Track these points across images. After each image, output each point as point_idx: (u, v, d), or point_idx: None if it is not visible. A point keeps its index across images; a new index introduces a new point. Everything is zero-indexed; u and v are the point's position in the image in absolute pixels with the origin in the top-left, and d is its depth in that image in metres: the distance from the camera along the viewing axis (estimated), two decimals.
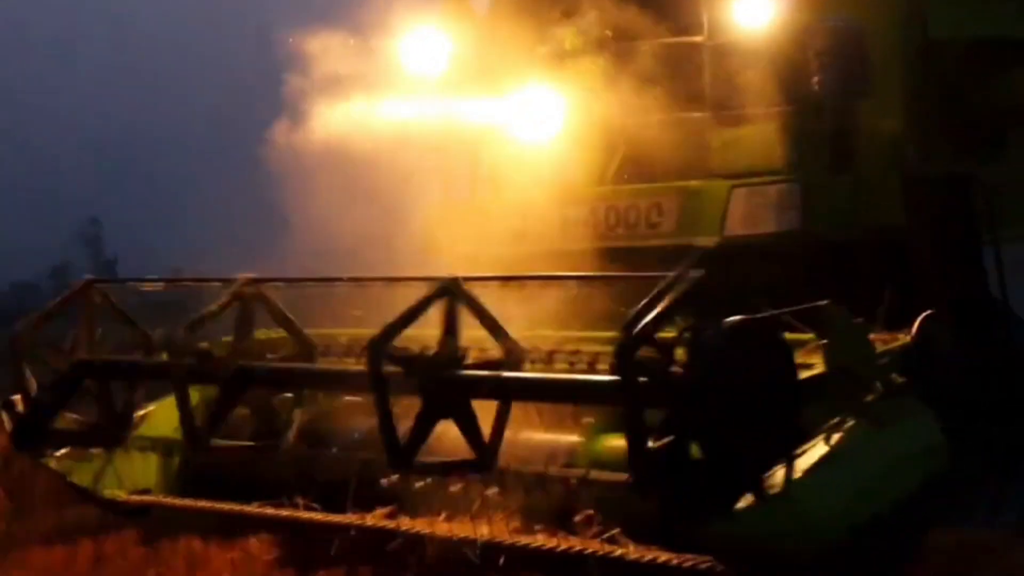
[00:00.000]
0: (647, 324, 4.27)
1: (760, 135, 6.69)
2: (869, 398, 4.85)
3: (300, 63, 7.20)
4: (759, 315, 4.49)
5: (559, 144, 6.95)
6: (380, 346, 4.92)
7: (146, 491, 6.66)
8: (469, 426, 4.89)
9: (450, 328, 5.03)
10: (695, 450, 4.22)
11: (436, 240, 7.14)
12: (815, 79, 6.47)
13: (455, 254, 6.91)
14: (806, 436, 4.62)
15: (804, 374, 4.70)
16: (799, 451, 4.57)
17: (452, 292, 5.09)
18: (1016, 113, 7.16)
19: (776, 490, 4.39)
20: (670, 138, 6.82)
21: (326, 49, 7.16)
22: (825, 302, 4.84)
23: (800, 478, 4.49)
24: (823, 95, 6.48)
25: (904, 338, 5.15)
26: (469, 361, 5.04)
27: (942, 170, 6.73)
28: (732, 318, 4.37)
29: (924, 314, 5.15)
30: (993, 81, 7.05)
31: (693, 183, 6.75)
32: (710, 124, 6.82)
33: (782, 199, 6.39)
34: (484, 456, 4.91)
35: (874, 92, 6.70)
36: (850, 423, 4.77)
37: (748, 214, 6.44)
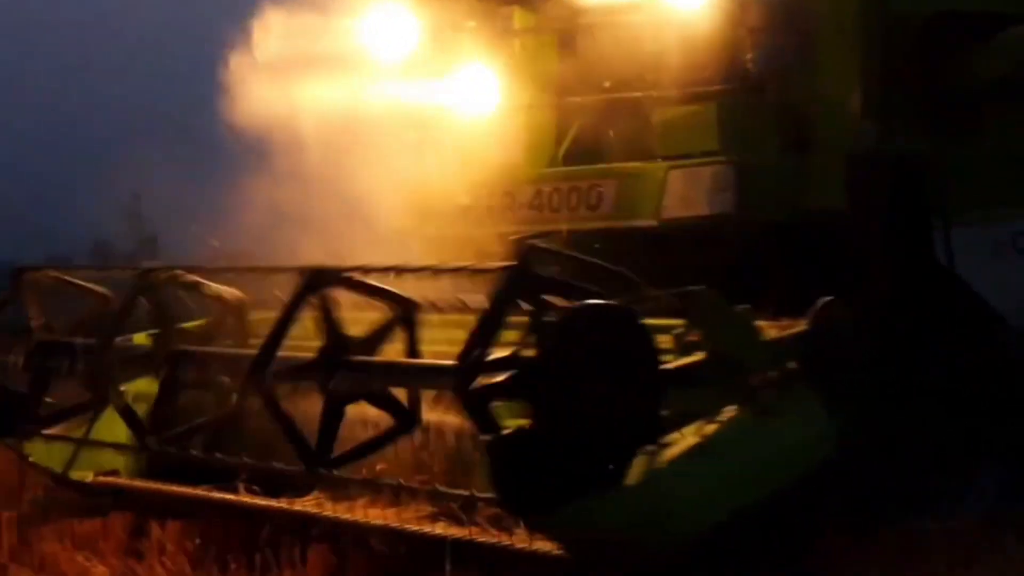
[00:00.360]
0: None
1: (699, 115, 6.64)
2: (755, 386, 4.86)
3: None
4: (616, 300, 4.52)
5: (504, 125, 7.04)
6: (262, 370, 5.15)
7: (113, 472, 6.87)
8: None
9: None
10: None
11: (387, 220, 7.26)
12: (749, 56, 6.47)
13: (403, 234, 7.08)
14: (677, 425, 4.65)
15: (681, 361, 4.75)
16: (666, 440, 4.60)
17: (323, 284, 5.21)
18: (986, 91, 7.04)
19: (636, 479, 4.41)
20: (615, 119, 6.92)
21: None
22: (699, 287, 4.83)
23: (664, 467, 4.51)
24: (757, 73, 6.47)
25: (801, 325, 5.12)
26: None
27: (896, 150, 6.64)
28: (586, 302, 4.41)
29: (823, 300, 5.11)
30: (961, 57, 6.92)
31: (632, 165, 6.76)
32: (653, 104, 6.79)
33: (716, 181, 6.35)
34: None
35: (828, 69, 6.65)
36: (731, 411, 4.79)
37: (684, 196, 6.38)
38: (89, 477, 6.84)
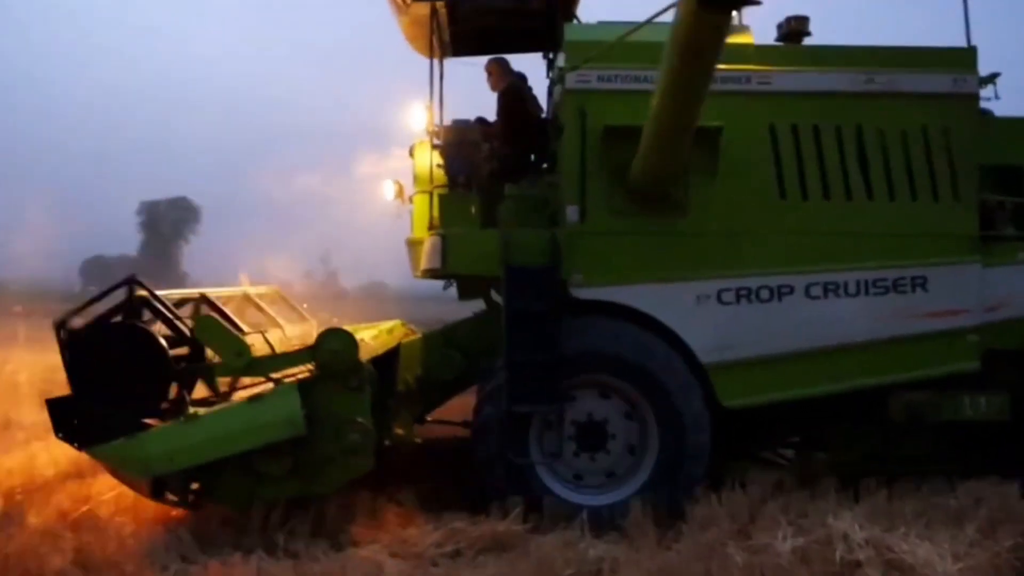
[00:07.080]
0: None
1: (441, 202, 9.28)
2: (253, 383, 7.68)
3: None
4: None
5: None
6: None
7: None
8: None
9: None
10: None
11: None
12: (444, 166, 9.00)
13: None
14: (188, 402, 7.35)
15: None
16: (188, 413, 7.16)
17: None
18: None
19: (134, 436, 6.95)
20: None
21: None
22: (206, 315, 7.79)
23: (154, 430, 7.03)
24: (449, 177, 8.97)
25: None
26: None
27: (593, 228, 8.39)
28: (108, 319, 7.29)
29: (325, 329, 7.56)
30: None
31: (425, 234, 9.40)
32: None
33: (433, 246, 8.69)
34: None
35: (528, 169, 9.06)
36: (239, 398, 7.47)
37: (428, 255, 8.80)
38: None
